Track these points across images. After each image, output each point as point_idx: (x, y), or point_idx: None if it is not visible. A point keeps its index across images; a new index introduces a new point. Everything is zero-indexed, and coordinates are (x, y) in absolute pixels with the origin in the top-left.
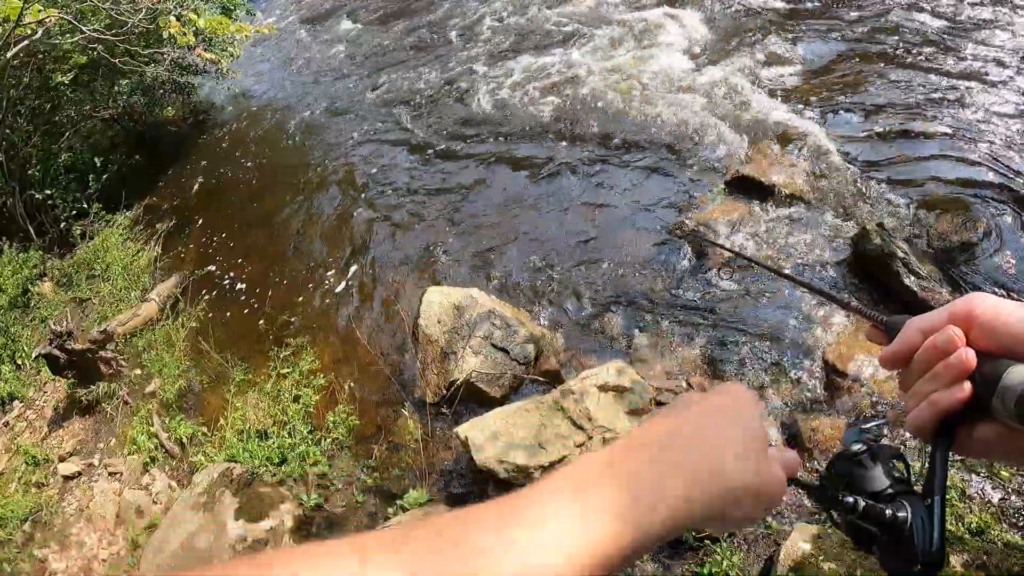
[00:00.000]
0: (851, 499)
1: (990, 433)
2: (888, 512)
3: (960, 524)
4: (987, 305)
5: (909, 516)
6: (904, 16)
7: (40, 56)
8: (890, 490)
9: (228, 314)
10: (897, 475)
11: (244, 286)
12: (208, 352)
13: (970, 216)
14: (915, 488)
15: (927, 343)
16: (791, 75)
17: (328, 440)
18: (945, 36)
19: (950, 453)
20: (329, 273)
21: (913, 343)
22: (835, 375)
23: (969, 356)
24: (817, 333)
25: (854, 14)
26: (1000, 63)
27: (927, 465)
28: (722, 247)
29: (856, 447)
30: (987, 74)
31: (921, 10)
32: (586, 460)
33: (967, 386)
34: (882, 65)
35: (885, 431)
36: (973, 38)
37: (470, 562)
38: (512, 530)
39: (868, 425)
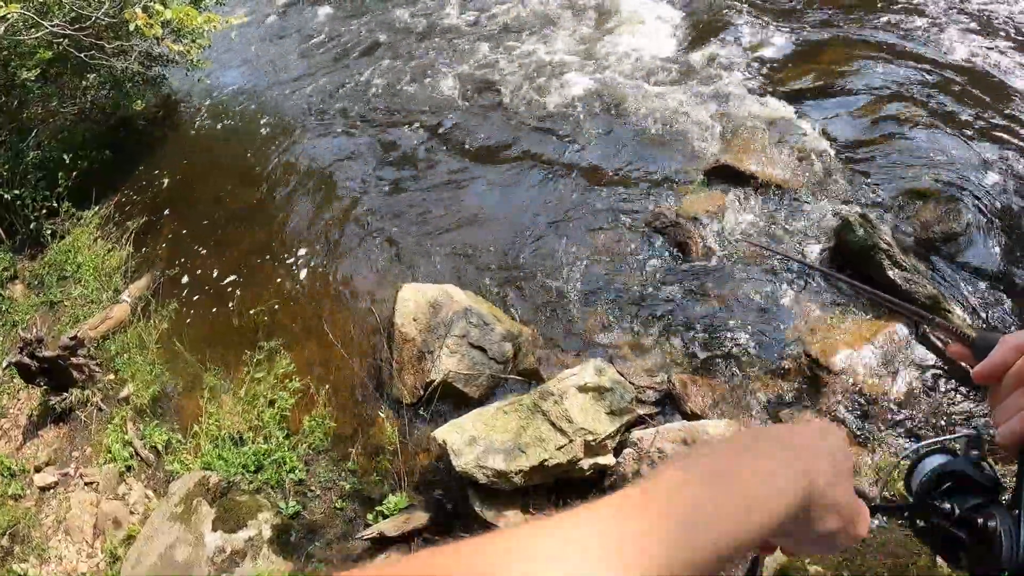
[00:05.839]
0: (948, 506)
1: None
2: (980, 520)
3: None
4: None
5: (998, 525)
6: (887, 3)
7: (4, 52)
8: (977, 500)
9: (200, 314)
10: (984, 485)
11: (216, 285)
12: (181, 354)
13: (953, 206)
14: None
15: (1022, 360)
16: (771, 62)
17: (305, 445)
18: (929, 22)
19: None
20: (302, 271)
21: (1008, 359)
22: (818, 369)
23: None
24: (800, 326)
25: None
26: (988, 49)
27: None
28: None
29: (938, 459)
30: (974, 61)
31: None
32: (628, 491)
33: None
34: (865, 52)
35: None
36: (958, 24)
37: None
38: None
39: (941, 439)
